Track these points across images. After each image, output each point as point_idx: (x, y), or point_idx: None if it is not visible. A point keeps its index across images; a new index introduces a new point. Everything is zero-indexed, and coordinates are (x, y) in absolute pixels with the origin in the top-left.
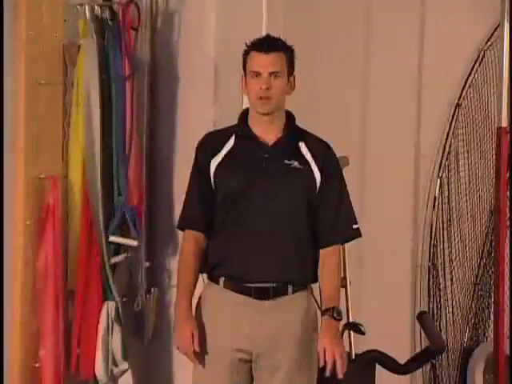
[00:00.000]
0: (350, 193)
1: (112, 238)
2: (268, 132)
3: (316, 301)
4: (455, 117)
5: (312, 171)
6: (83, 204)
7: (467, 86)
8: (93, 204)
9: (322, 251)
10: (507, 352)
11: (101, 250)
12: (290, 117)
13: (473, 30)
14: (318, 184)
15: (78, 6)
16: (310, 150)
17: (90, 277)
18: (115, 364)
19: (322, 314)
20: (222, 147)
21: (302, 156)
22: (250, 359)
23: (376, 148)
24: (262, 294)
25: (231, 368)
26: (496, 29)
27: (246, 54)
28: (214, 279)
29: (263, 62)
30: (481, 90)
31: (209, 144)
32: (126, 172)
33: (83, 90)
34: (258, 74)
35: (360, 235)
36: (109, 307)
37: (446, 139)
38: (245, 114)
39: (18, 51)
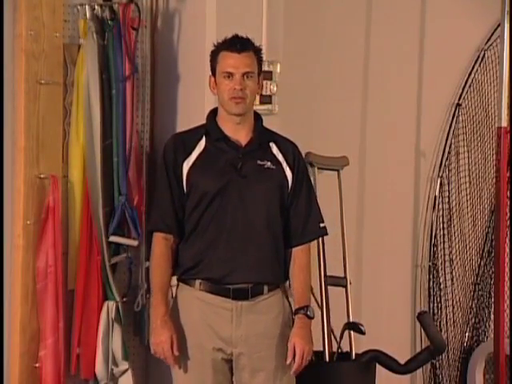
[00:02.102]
0: (350, 193)
1: (112, 238)
2: (238, 132)
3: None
4: (455, 117)
5: (284, 171)
6: (83, 204)
7: (467, 85)
8: (93, 204)
9: (293, 250)
10: (507, 352)
11: (101, 249)
12: (257, 117)
13: (473, 29)
14: (290, 183)
15: (78, 6)
16: (280, 150)
17: (90, 277)
18: (115, 364)
19: (296, 312)
20: (193, 148)
21: (274, 156)
22: (230, 359)
23: (376, 148)
24: (240, 295)
25: (215, 367)
26: (496, 29)
27: (215, 53)
28: (187, 281)
29: (236, 62)
30: (481, 90)
31: (179, 145)
32: (125, 172)
33: (83, 90)
34: (230, 75)
35: (326, 233)
36: (109, 307)
37: (446, 139)
38: (213, 114)
39: (18, 51)
